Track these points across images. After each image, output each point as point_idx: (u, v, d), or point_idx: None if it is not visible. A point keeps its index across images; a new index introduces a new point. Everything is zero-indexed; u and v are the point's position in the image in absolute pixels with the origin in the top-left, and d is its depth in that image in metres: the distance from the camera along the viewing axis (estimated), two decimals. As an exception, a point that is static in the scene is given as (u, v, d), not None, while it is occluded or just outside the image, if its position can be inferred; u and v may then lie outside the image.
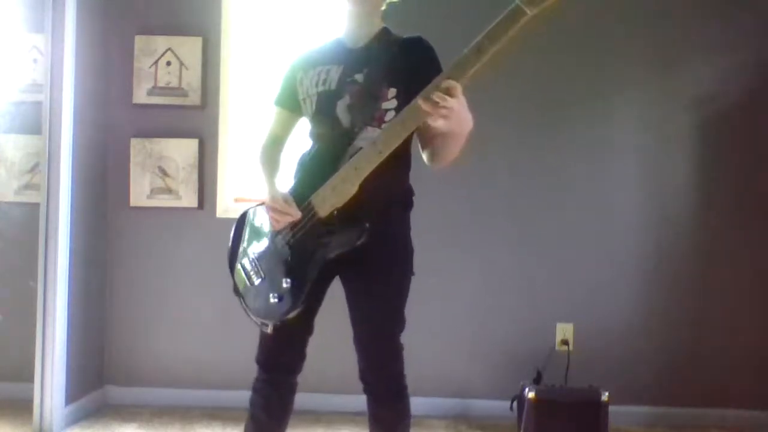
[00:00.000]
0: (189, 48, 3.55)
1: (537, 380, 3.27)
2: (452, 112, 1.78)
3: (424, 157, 2.05)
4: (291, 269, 2.00)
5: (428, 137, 2.00)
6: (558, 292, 3.52)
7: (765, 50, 3.49)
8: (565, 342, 3.48)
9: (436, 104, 1.77)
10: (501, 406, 3.30)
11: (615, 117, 3.53)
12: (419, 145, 2.06)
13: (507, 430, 3.30)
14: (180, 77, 3.55)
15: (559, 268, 3.52)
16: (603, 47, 3.49)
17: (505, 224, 3.53)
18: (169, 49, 3.55)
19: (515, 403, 3.24)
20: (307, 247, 1.99)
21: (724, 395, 3.46)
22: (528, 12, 1.74)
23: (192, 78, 3.55)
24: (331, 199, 1.95)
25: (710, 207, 3.50)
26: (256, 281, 2.05)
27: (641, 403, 3.47)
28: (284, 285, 2.00)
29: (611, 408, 3.05)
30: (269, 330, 2.02)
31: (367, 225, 1.93)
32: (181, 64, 3.55)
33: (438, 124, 1.81)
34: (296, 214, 1.97)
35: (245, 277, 2.07)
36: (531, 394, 3.07)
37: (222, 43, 3.58)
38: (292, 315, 1.99)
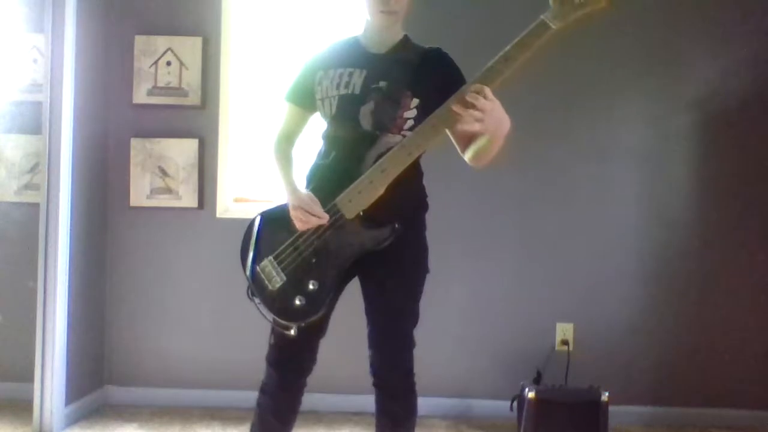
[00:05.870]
0: (189, 48, 3.54)
1: (537, 380, 3.27)
2: (486, 115, 1.85)
3: (466, 157, 2.10)
4: (316, 271, 2.02)
5: (467, 139, 2.05)
6: (558, 292, 3.52)
7: (765, 50, 3.49)
8: (565, 342, 3.48)
9: (468, 105, 1.84)
10: (501, 406, 3.30)
11: (615, 117, 3.53)
12: (458, 148, 2.11)
13: (507, 430, 3.30)
14: (180, 77, 3.55)
15: (559, 268, 3.52)
16: (604, 48, 3.48)
17: (505, 224, 3.53)
18: (169, 49, 3.55)
19: (515, 403, 3.24)
20: (333, 249, 2.02)
21: (724, 395, 3.46)
22: (553, 27, 1.86)
23: (192, 78, 3.55)
24: (357, 201, 1.99)
25: (711, 207, 3.50)
26: (278, 284, 2.04)
27: (641, 403, 3.47)
28: (311, 287, 2.01)
29: (611, 408, 3.05)
30: (293, 332, 2.02)
31: (397, 225, 2.00)
32: (181, 64, 3.54)
33: (474, 127, 1.88)
34: (323, 216, 1.98)
35: (265, 280, 2.05)
36: (531, 394, 3.07)
37: (222, 43, 3.58)
38: (317, 316, 2.02)
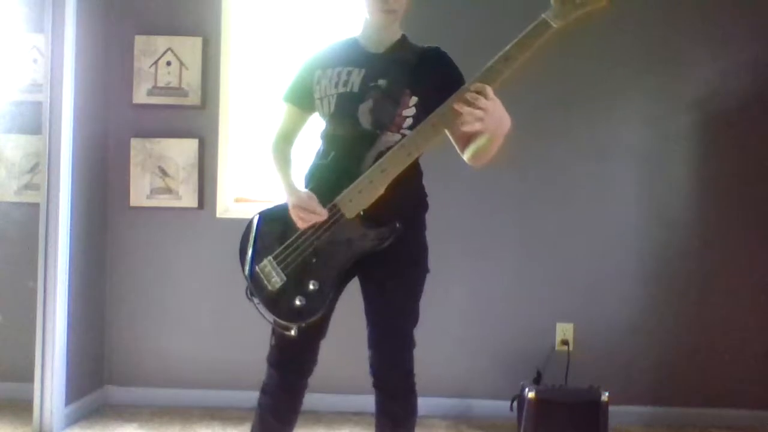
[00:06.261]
0: (189, 48, 3.54)
1: (537, 380, 3.27)
2: (487, 114, 1.85)
3: (465, 157, 2.10)
4: (316, 271, 2.02)
5: (466, 139, 2.05)
6: (558, 292, 3.52)
7: (765, 50, 3.49)
8: (565, 342, 3.48)
9: (469, 104, 1.84)
10: (501, 406, 3.30)
11: (616, 117, 3.53)
12: (457, 148, 2.12)
13: (507, 430, 3.30)
14: (180, 77, 3.55)
15: (559, 268, 3.52)
16: (604, 47, 3.48)
17: (504, 223, 3.53)
18: (169, 49, 3.55)
19: (515, 403, 3.24)
20: (333, 249, 2.01)
21: (724, 395, 3.46)
22: (554, 25, 1.86)
23: (192, 78, 3.55)
24: (358, 200, 1.99)
25: (710, 207, 3.50)
26: (278, 284, 2.03)
27: (641, 403, 3.47)
28: (311, 287, 2.01)
29: (611, 408, 3.05)
30: (293, 333, 2.02)
31: (398, 225, 2.00)
32: (181, 64, 3.54)
33: (475, 127, 1.87)
34: (323, 214, 1.98)
35: (264, 280, 2.05)
36: (531, 394, 3.07)
37: (222, 43, 3.58)
38: (317, 317, 2.02)
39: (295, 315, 2.02)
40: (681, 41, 3.50)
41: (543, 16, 1.86)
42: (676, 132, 3.53)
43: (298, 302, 2.01)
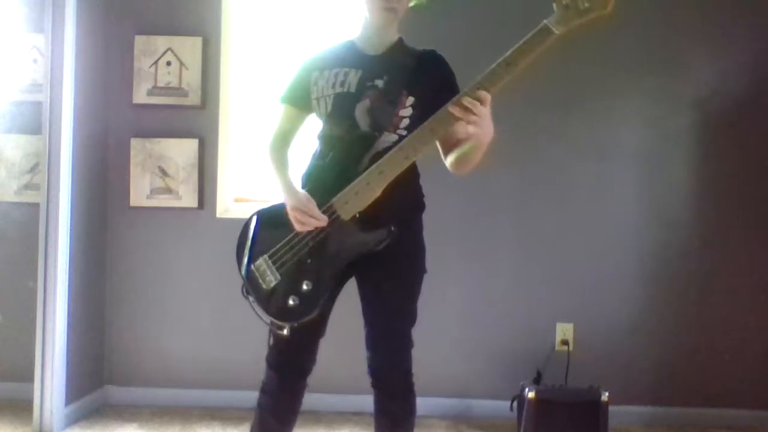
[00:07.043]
0: (189, 48, 3.54)
1: (537, 380, 3.27)
2: (481, 120, 1.86)
3: (447, 163, 2.11)
4: (311, 271, 2.02)
5: (451, 144, 2.06)
6: (558, 292, 3.51)
7: (765, 50, 3.49)
8: (565, 342, 3.48)
9: (467, 110, 1.85)
10: (501, 406, 3.30)
11: (615, 117, 3.53)
12: (441, 153, 2.12)
13: (507, 430, 3.30)
14: (180, 77, 3.55)
15: (559, 268, 3.52)
16: (603, 47, 3.47)
17: (505, 224, 3.53)
18: (169, 49, 3.55)
19: (515, 403, 3.24)
20: (328, 250, 2.01)
21: (724, 395, 3.46)
22: (556, 32, 1.85)
23: (192, 78, 3.55)
24: (354, 202, 1.99)
25: (710, 207, 3.50)
26: (272, 283, 2.04)
27: (641, 403, 3.47)
28: (304, 287, 2.01)
29: (611, 408, 3.05)
30: (285, 332, 2.02)
31: (393, 228, 1.99)
32: (181, 64, 3.54)
33: (469, 130, 1.90)
34: (322, 218, 1.98)
35: (258, 279, 2.06)
36: (531, 394, 3.07)
37: (222, 43, 3.58)
38: (310, 317, 2.02)
39: (287, 314, 2.02)
40: (681, 41, 3.50)
41: (545, 22, 1.85)
42: (676, 132, 3.53)
43: (291, 302, 2.01)
